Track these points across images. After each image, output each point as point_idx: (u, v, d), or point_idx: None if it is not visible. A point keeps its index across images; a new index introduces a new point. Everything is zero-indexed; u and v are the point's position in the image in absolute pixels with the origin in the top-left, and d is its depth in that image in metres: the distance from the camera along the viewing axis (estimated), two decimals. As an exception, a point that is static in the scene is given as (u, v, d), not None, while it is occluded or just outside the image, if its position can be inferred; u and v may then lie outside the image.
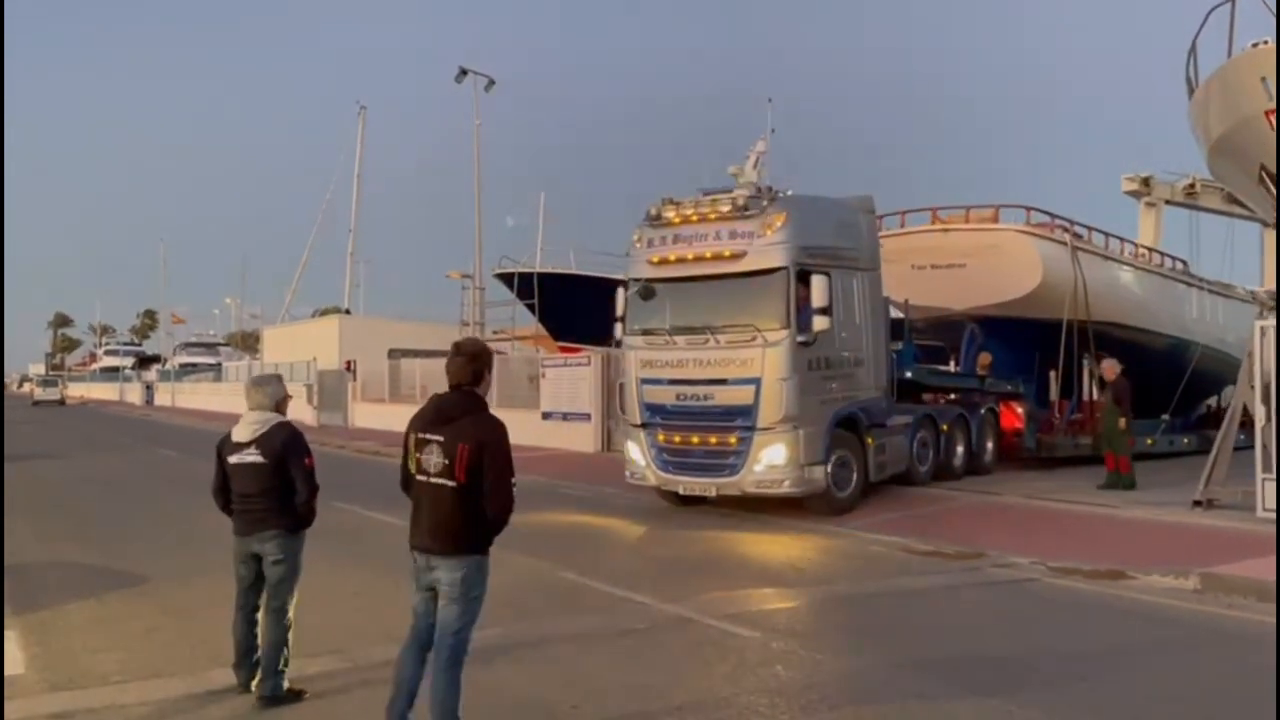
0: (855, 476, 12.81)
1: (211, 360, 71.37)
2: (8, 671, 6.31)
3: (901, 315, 16.71)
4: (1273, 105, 12.15)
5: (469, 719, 4.78)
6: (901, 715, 5.56)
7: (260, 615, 5.75)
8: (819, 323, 11.89)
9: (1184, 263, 22.57)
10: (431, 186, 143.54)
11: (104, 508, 14.66)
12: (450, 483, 4.57)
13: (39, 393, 67.67)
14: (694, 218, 12.58)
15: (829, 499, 12.40)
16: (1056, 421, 18.30)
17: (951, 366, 17.98)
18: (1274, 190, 12.94)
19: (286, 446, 5.65)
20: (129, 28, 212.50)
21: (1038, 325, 17.76)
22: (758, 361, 11.92)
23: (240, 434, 5.74)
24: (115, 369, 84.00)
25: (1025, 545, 10.42)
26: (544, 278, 31.98)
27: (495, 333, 31.04)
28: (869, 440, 13.13)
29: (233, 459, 5.72)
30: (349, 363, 35.42)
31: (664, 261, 12.75)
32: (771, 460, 11.96)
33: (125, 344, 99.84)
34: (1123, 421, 14.73)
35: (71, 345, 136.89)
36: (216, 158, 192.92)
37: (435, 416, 4.69)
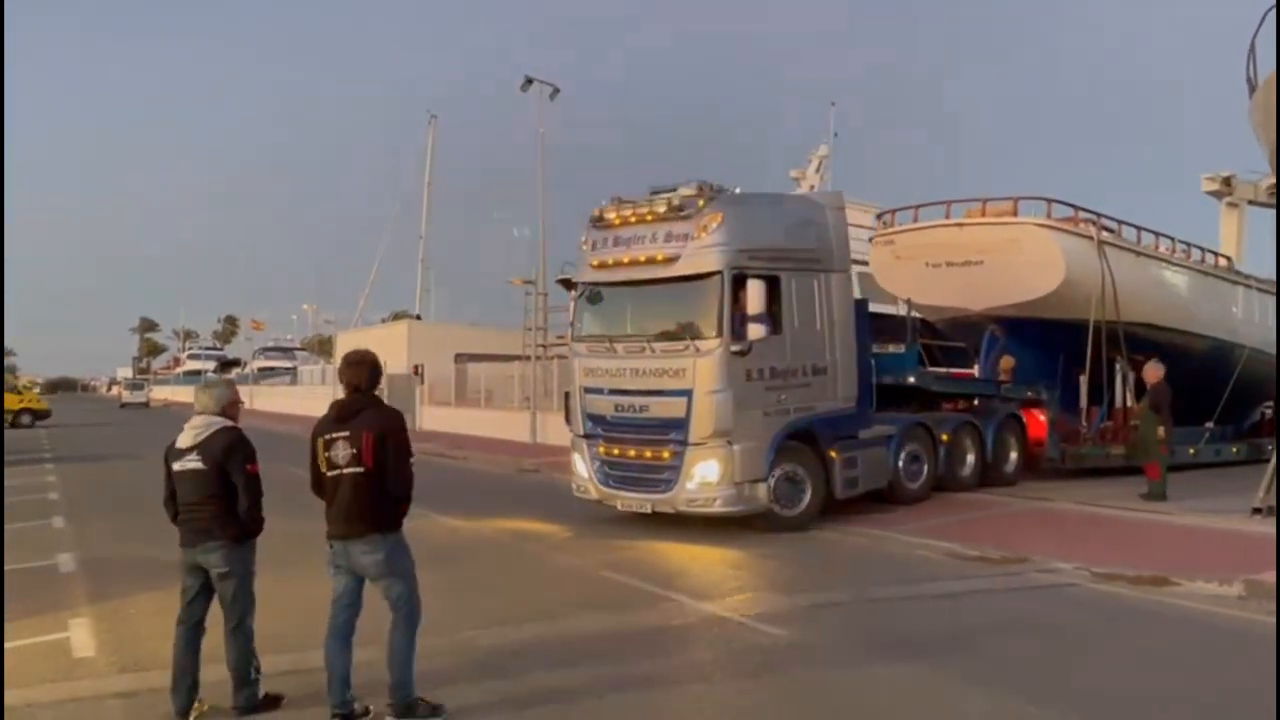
0: (809, 493, 11.97)
1: (288, 364, 73.46)
2: (78, 654, 6.87)
3: (906, 316, 16.10)
4: None
5: (493, 699, 5.08)
6: (916, 711, 5.70)
7: (204, 632, 5.67)
8: (754, 331, 11.22)
9: (1228, 259, 21.04)
10: (502, 190, 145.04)
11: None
12: (360, 469, 5.24)
13: (126, 396, 70.61)
14: (632, 219, 12.00)
15: (773, 518, 11.69)
16: (1083, 430, 17.13)
17: (977, 371, 17.28)
18: None
19: (227, 452, 5.43)
20: (207, 40, 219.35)
21: (1064, 326, 16.77)
22: (690, 372, 11.25)
23: (183, 439, 5.54)
24: (198, 373, 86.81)
25: (1072, 551, 10.33)
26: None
27: (559, 337, 31.43)
28: (832, 454, 12.25)
29: (176, 466, 5.51)
30: (416, 367, 36.24)
31: (603, 265, 12.23)
32: (704, 477, 11.31)
33: (207, 348, 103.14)
34: (1161, 430, 14.10)
35: (157, 350, 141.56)
36: (300, 164, 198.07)
37: (339, 416, 5.35)
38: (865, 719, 5.70)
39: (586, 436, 12.47)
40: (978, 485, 14.99)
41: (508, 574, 9.94)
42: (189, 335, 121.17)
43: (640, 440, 11.82)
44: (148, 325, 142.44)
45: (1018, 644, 7.20)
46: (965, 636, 7.41)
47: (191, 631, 5.60)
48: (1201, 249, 19.93)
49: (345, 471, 5.25)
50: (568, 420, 13.10)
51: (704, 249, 11.30)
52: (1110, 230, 17.64)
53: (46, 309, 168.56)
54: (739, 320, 11.21)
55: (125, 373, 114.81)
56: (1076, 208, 17.38)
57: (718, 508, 11.42)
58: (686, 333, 11.39)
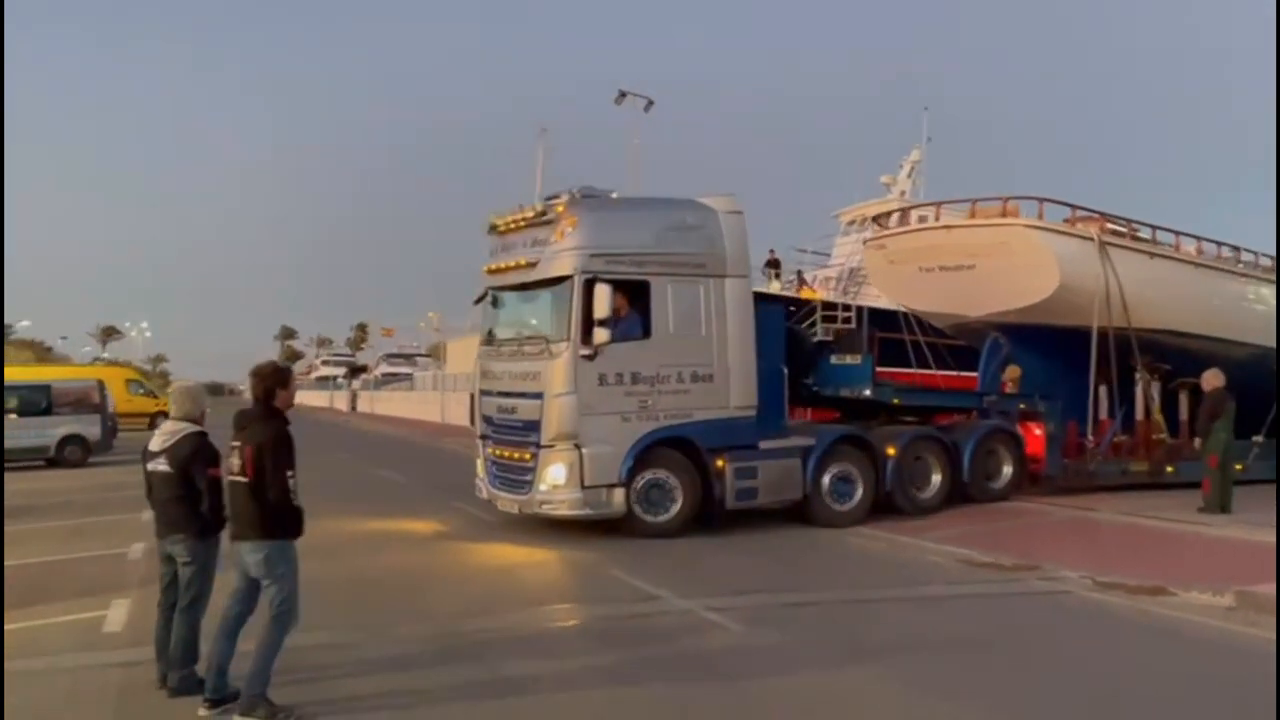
0: (680, 502, 11.74)
1: (409, 370, 76.21)
2: (107, 630, 7.83)
3: (860, 321, 15.85)
4: None
5: (465, 694, 5.84)
6: (842, 710, 6.05)
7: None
8: (601, 335, 11.22)
9: (1271, 258, 18.84)
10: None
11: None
12: (244, 479, 5.67)
13: (259, 400, 74.31)
14: (512, 226, 12.45)
15: (636, 523, 11.57)
16: (1089, 444, 15.72)
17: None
18: None
19: (190, 457, 5.94)
20: (336, 51, 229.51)
21: (1072, 334, 15.58)
22: (544, 375, 11.51)
23: (154, 443, 6.13)
24: (328, 378, 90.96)
25: (1087, 560, 10.22)
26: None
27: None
28: (720, 463, 11.91)
29: (149, 466, 6.13)
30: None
31: (489, 271, 12.85)
32: (554, 479, 11.42)
33: (338, 354, 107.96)
34: (1196, 441, 13.45)
35: (295, 356, 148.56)
36: (431, 173, 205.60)
37: (235, 427, 5.84)
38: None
39: (482, 437, 12.91)
40: (941, 506, 13.64)
41: (503, 566, 10.58)
42: (323, 342, 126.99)
43: (512, 442, 12.17)
44: (287, 333, 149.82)
45: (976, 647, 7.36)
46: (931, 639, 7.61)
47: (168, 612, 6.15)
48: (1236, 247, 18.25)
49: (234, 479, 5.72)
50: (471, 422, 13.53)
51: (558, 253, 11.62)
52: (1118, 230, 16.57)
53: (202, 316, 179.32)
54: (589, 324, 11.30)
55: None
56: (1074, 206, 16.41)
57: (565, 510, 11.54)
58: (544, 336, 11.78)
